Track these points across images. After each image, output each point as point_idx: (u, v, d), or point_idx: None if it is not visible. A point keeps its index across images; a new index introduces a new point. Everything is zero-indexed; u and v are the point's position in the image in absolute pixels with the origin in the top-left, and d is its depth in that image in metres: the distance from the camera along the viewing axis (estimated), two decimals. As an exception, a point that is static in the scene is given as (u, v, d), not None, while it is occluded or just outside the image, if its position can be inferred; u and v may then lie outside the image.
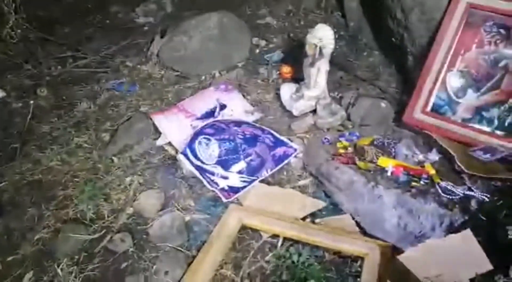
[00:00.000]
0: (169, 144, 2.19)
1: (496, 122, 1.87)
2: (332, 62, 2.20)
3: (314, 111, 2.22)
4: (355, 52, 2.66)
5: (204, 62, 2.68)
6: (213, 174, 1.93)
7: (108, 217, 1.89)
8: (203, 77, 2.64)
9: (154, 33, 2.95)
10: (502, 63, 1.86)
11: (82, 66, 2.88)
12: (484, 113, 1.90)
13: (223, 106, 2.31)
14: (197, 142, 1.98)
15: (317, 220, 1.77)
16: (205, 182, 1.91)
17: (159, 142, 2.21)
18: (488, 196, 1.65)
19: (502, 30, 1.85)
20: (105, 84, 2.67)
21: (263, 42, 2.82)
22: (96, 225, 1.85)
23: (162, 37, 2.80)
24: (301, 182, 1.97)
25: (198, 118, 2.24)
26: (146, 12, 3.30)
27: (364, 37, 2.68)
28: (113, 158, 2.17)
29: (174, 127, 2.22)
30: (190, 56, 2.68)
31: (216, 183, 1.91)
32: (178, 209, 1.88)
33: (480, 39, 1.90)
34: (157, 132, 2.25)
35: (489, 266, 1.50)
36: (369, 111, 2.16)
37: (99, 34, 3.19)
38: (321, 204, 1.83)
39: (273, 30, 2.93)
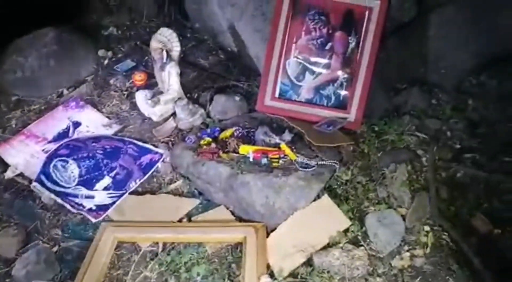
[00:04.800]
0: (21, 175, 1.99)
1: (333, 98, 2.13)
2: (183, 64, 2.24)
3: (174, 114, 2.24)
4: (205, 52, 2.74)
5: (47, 82, 2.48)
6: (76, 196, 1.82)
7: (-43, 270, 1.65)
8: (49, 97, 2.44)
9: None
10: (328, 46, 2.12)
11: None
12: (322, 91, 2.14)
13: (77, 124, 2.19)
14: (51, 165, 1.85)
15: (193, 218, 1.80)
16: (68, 207, 1.79)
17: (8, 174, 2.00)
18: (337, 162, 1.88)
19: (322, 17, 2.11)
20: None
21: (110, 53, 2.72)
22: None
23: (-9, 60, 2.52)
24: (173, 185, 1.97)
25: (50, 142, 2.10)
26: (-34, 35, 2.91)
27: (210, 37, 2.77)
28: (-48, 202, 1.89)
29: (23, 156, 2.04)
30: (30, 77, 2.45)
31: (82, 205, 1.80)
32: (43, 242, 1.73)
33: (307, 27, 2.13)
34: (4, 165, 2.03)
35: (347, 222, 1.72)
36: (225, 106, 2.26)
37: None
38: (194, 202, 1.87)
39: (119, 40, 2.85)
